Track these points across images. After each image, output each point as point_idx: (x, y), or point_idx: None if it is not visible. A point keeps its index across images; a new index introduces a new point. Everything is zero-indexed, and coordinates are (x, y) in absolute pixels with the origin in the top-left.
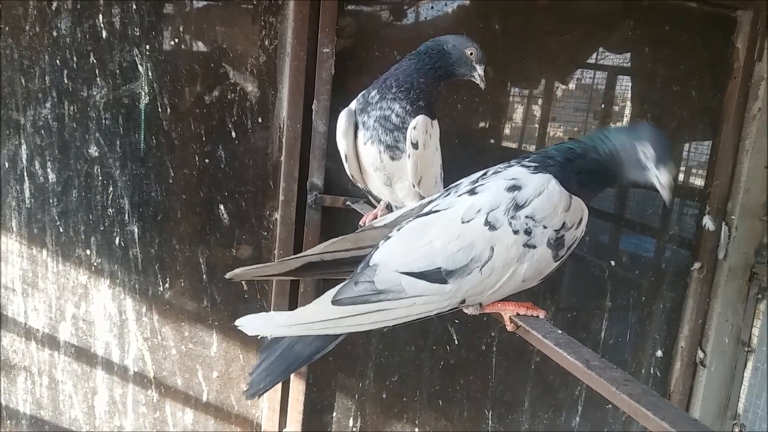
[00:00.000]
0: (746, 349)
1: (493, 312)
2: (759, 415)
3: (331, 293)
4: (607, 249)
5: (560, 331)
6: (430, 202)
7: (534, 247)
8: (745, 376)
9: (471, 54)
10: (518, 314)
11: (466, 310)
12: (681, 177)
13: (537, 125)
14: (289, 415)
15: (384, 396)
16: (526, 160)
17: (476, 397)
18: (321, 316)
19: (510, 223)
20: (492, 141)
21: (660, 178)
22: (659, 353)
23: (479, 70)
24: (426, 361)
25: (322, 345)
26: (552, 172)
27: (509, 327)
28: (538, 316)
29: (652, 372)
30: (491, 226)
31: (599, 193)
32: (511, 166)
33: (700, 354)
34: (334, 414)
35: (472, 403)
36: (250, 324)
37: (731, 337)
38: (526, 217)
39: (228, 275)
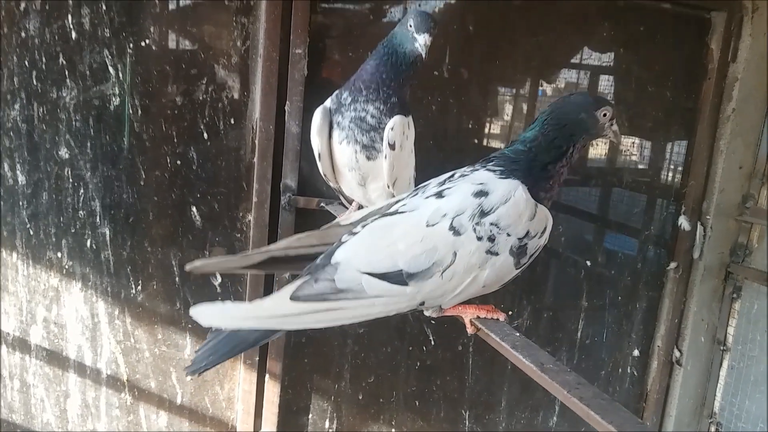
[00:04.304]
0: (722, 347)
1: (453, 314)
2: (735, 414)
3: (290, 288)
4: (584, 249)
5: (518, 334)
6: (397, 202)
7: (497, 254)
8: (721, 374)
9: (411, 26)
10: (479, 317)
11: (426, 312)
12: (657, 177)
13: (512, 126)
14: (264, 417)
15: (360, 397)
16: (491, 163)
17: (453, 398)
18: (278, 311)
19: (474, 230)
20: (467, 142)
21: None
22: (636, 352)
23: (420, 39)
24: (402, 361)
25: (270, 332)
26: (518, 177)
27: (469, 330)
28: (498, 319)
29: (629, 371)
30: (456, 231)
31: (568, 162)
32: (477, 170)
33: (677, 353)
34: (310, 416)
35: (449, 404)
36: (205, 314)
37: (707, 336)
38: (491, 224)
39: (187, 267)
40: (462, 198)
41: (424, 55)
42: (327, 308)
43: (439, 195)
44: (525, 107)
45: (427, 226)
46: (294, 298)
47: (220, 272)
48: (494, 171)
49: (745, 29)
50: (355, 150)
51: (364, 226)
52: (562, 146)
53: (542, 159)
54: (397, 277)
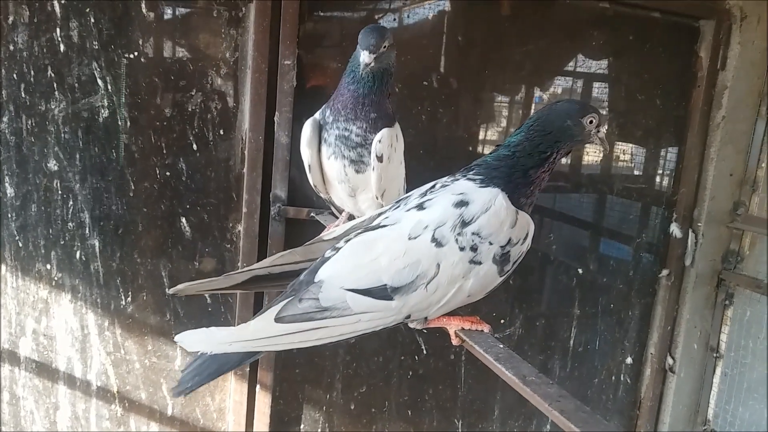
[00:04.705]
0: (715, 355)
1: (438, 326)
2: (729, 421)
3: (274, 310)
4: (576, 256)
5: (502, 346)
6: (379, 215)
7: (480, 263)
8: (714, 381)
9: (358, 43)
10: (463, 329)
11: (411, 325)
12: (648, 184)
13: (506, 134)
14: (255, 428)
15: (352, 407)
16: (471, 172)
17: (446, 407)
18: (263, 334)
19: (456, 240)
20: (458, 151)
21: (601, 129)
22: (629, 360)
23: (361, 56)
24: (394, 371)
25: (255, 352)
26: (498, 184)
27: (454, 341)
28: (482, 331)
29: (622, 379)
30: (438, 242)
31: (549, 167)
32: (458, 179)
33: (670, 360)
34: (302, 426)
35: (442, 413)
36: (190, 340)
37: (700, 343)
38: (473, 233)
39: (171, 291)
40: (443, 209)
41: (362, 73)
42: (313, 327)
43: (420, 207)
44: (516, 116)
45: (410, 239)
46: (278, 319)
47: (208, 294)
48: (474, 180)
49: (733, 37)
50: (344, 164)
51: (347, 241)
52: (546, 152)
53: (524, 164)
54: (382, 292)
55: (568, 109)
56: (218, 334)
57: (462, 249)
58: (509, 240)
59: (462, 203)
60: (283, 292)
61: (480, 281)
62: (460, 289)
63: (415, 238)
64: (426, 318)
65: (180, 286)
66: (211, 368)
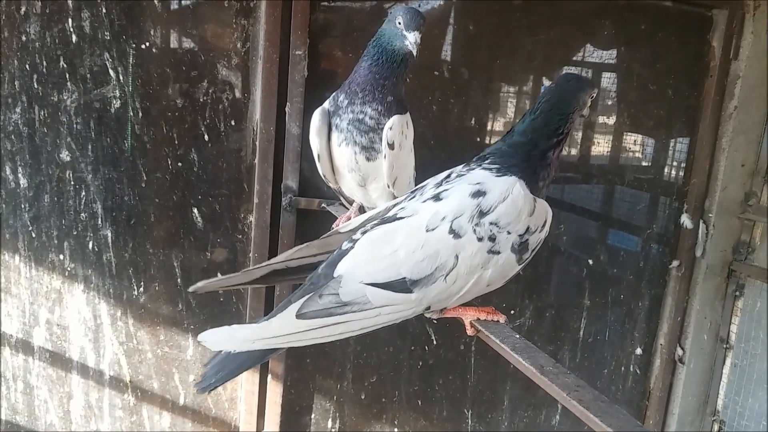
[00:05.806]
0: (725, 345)
1: (454, 316)
2: (738, 412)
3: (294, 307)
4: (587, 247)
5: (518, 336)
6: (395, 205)
7: (498, 252)
8: (724, 372)
9: (400, 23)
10: (479, 319)
11: (427, 315)
12: (658, 175)
13: (512, 124)
14: (267, 418)
15: (363, 397)
16: (487, 161)
17: (455, 397)
18: (286, 330)
19: (474, 231)
20: (468, 141)
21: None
22: (639, 351)
23: (410, 37)
24: (405, 361)
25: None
26: (515, 172)
27: (469, 332)
28: (498, 321)
29: (632, 369)
30: (456, 234)
31: (562, 146)
32: (473, 169)
33: (679, 351)
34: (313, 416)
35: (452, 403)
36: (213, 338)
37: (710, 334)
38: (491, 223)
39: (191, 289)
40: (460, 199)
41: (415, 53)
42: (334, 322)
43: (437, 198)
44: (526, 106)
45: (427, 231)
46: (300, 315)
47: (223, 290)
48: (490, 169)
49: (746, 27)
50: (355, 151)
51: (363, 233)
52: (560, 127)
53: (542, 146)
54: (401, 285)
55: (578, 88)
56: (241, 332)
57: (480, 239)
58: (527, 228)
59: (479, 193)
60: (302, 286)
61: (499, 270)
62: (479, 279)
63: (433, 229)
64: (443, 308)
65: (199, 284)
66: (233, 364)
